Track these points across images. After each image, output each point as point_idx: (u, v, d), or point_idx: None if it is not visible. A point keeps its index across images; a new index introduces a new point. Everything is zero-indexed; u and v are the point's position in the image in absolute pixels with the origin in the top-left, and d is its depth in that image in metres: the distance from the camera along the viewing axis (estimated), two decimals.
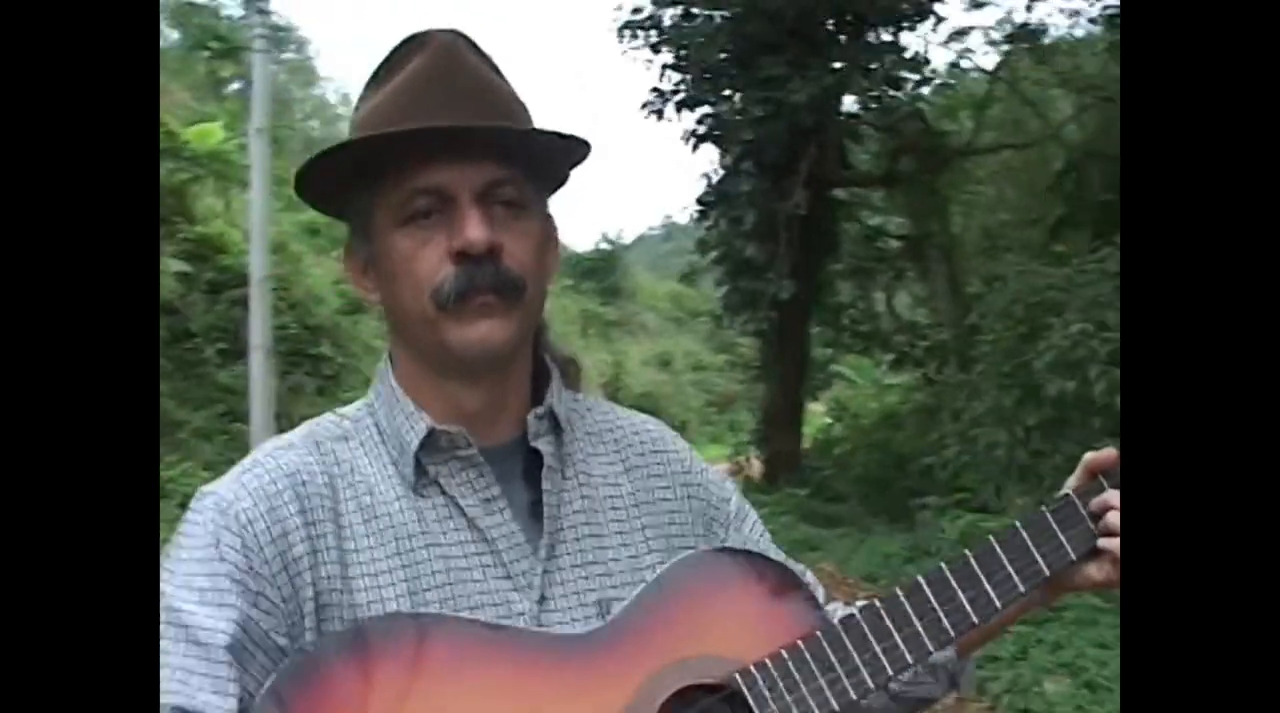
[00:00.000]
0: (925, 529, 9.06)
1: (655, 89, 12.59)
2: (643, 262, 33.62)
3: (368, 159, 1.31)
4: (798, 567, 1.52)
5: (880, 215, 17.56)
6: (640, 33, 12.47)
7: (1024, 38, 14.99)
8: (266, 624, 1.25)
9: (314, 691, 1.21)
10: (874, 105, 13.28)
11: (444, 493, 1.34)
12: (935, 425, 10.69)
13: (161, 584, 1.27)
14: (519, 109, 1.35)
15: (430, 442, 1.33)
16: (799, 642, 1.33)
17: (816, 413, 21.70)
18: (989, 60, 15.48)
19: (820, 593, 1.50)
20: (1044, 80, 16.12)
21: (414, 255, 1.30)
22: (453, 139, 1.27)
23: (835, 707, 1.32)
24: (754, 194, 12.45)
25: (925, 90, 14.82)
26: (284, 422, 14.13)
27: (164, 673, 1.22)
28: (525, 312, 1.33)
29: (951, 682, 1.51)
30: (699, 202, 13.81)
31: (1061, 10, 14.93)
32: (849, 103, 13.58)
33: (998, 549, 1.36)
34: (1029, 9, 14.39)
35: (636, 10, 12.69)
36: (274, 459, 1.33)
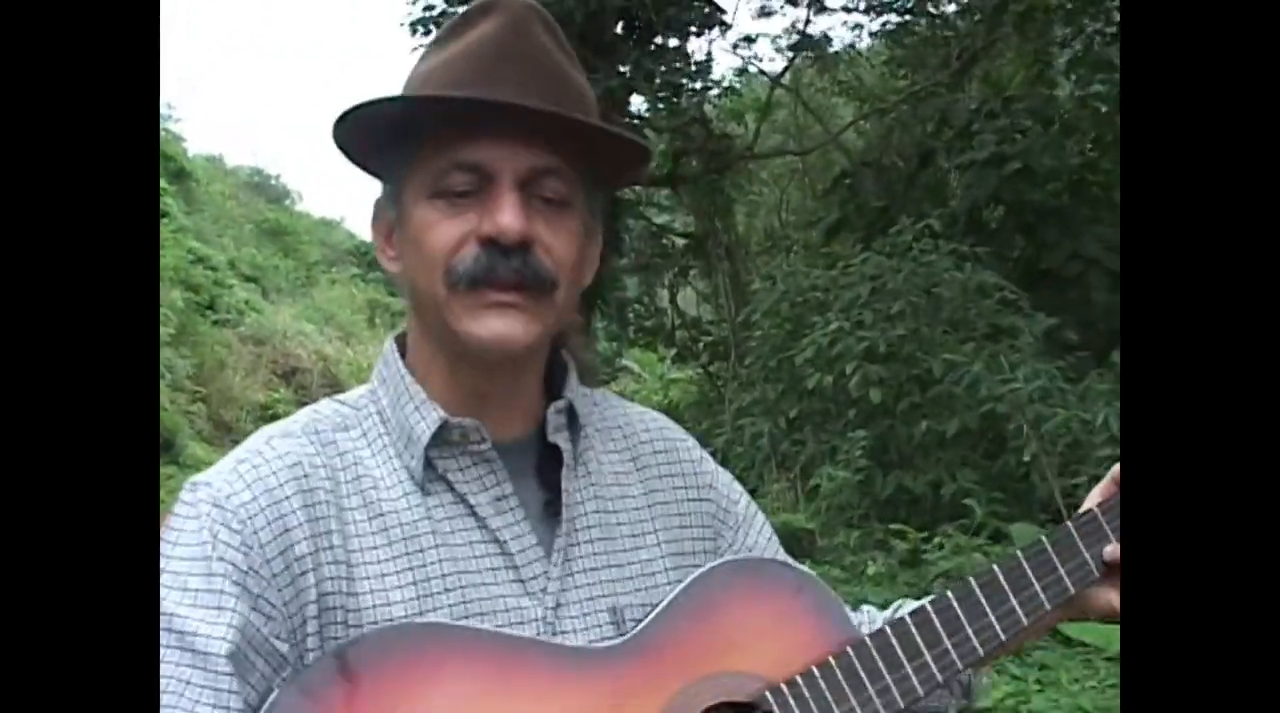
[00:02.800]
0: None
1: None
2: None
3: (413, 120, 1.24)
4: (808, 571, 1.52)
5: (666, 214, 18.12)
6: (432, 28, 12.68)
7: (808, 47, 15.78)
8: (267, 629, 1.17)
9: (320, 709, 1.14)
10: (660, 108, 13.78)
11: (452, 490, 1.27)
12: (712, 417, 11.29)
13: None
14: (583, 98, 1.28)
15: (441, 435, 1.27)
16: (830, 658, 1.31)
17: None
18: (775, 67, 16.22)
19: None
20: (826, 89, 17.03)
21: (437, 227, 1.24)
22: (503, 115, 1.21)
23: None
24: None
25: (712, 93, 15.44)
26: None
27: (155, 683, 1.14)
28: (552, 311, 1.26)
29: (965, 692, 1.46)
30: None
31: (844, 24, 15.59)
32: (637, 105, 14.05)
33: (1025, 565, 1.34)
34: (809, 21, 15.07)
35: (429, 8, 12.88)
36: (273, 449, 1.25)
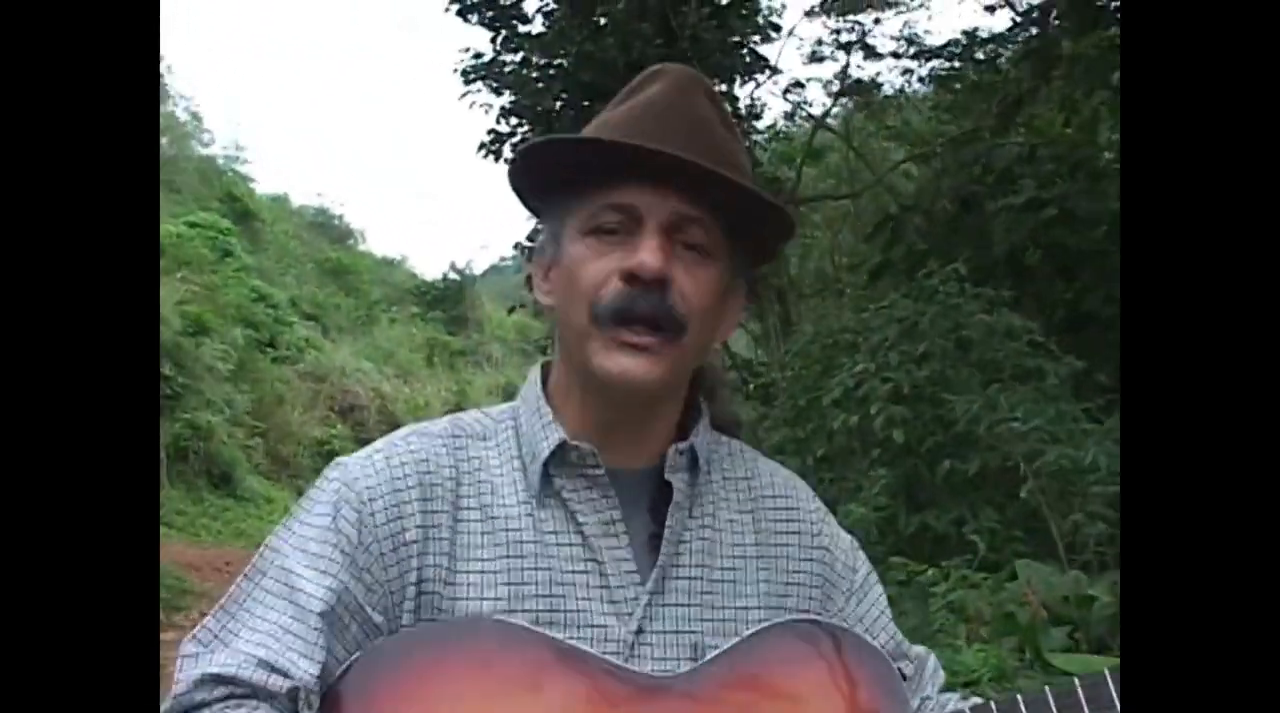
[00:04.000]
0: None
1: (492, 131, 13.09)
2: (492, 292, 33.98)
3: (581, 164, 1.36)
4: (918, 649, 1.56)
5: None
6: (482, 80, 13.03)
7: (857, 91, 16.02)
8: (365, 599, 1.30)
9: (396, 678, 1.26)
10: None
11: (565, 507, 1.37)
12: None
13: (277, 539, 1.35)
14: (736, 159, 1.38)
15: (561, 454, 1.37)
16: None
17: None
18: (819, 111, 16.45)
19: (939, 681, 1.53)
20: (876, 133, 17.24)
21: (587, 263, 1.35)
22: (657, 163, 1.31)
23: None
24: None
25: (761, 138, 15.69)
26: None
27: (257, 623, 1.29)
28: (680, 355, 1.35)
29: None
30: (529, 238, 14.29)
31: (893, 69, 15.77)
32: None
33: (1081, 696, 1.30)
34: (859, 67, 15.32)
35: (478, 55, 13.25)
36: (408, 444, 1.39)
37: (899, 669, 1.44)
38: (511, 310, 18.98)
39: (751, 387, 16.41)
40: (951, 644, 4.72)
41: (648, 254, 1.31)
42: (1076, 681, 1.32)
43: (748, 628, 1.37)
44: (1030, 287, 10.60)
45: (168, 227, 21.36)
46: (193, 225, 23.61)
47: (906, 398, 7.49)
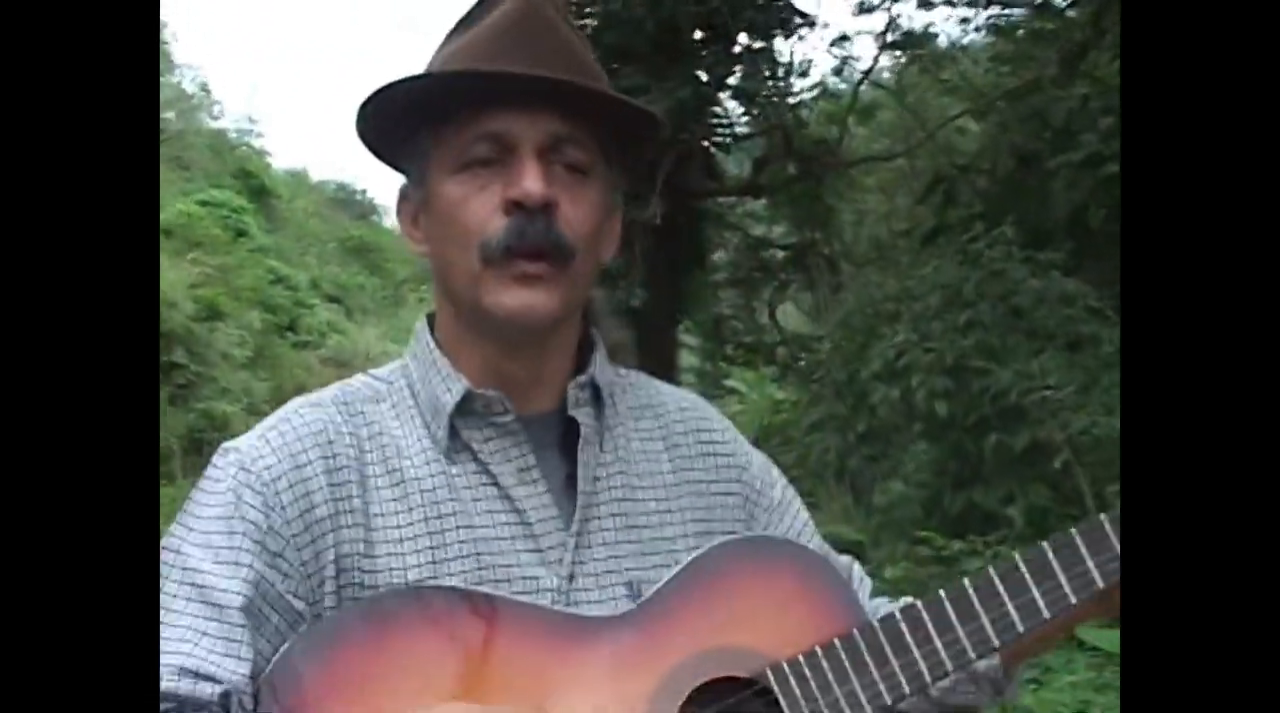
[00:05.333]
0: None
1: None
2: None
3: (433, 99, 1.39)
4: (843, 559, 1.60)
5: (764, 225, 18.38)
6: None
7: (909, 44, 16.03)
8: (283, 587, 1.31)
9: (330, 661, 1.27)
10: (749, 113, 14.16)
11: (476, 460, 1.40)
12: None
13: (174, 539, 1.34)
14: (594, 71, 1.42)
15: (466, 405, 1.40)
16: (835, 640, 1.37)
17: None
18: (876, 66, 16.45)
19: (867, 588, 1.58)
20: (931, 89, 17.24)
21: (466, 202, 1.37)
22: (521, 87, 1.34)
23: (868, 710, 1.35)
24: None
25: (805, 96, 15.77)
26: None
27: (169, 632, 1.27)
28: (572, 282, 1.39)
29: (996, 690, 1.49)
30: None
31: (947, 18, 15.74)
32: (733, 109, 14.46)
33: (1050, 556, 1.35)
34: (909, 17, 15.32)
35: None
36: (300, 416, 1.41)
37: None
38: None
39: (802, 362, 16.55)
40: None
41: (530, 181, 1.34)
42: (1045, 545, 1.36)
43: (678, 559, 1.40)
44: (1092, 249, 10.70)
45: (177, 206, 21.70)
46: (204, 203, 23.87)
47: (950, 369, 7.66)
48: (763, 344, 17.67)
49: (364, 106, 1.40)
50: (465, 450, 1.41)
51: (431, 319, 1.51)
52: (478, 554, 1.36)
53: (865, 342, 8.82)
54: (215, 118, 32.47)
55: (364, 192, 38.48)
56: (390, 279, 31.62)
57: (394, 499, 1.37)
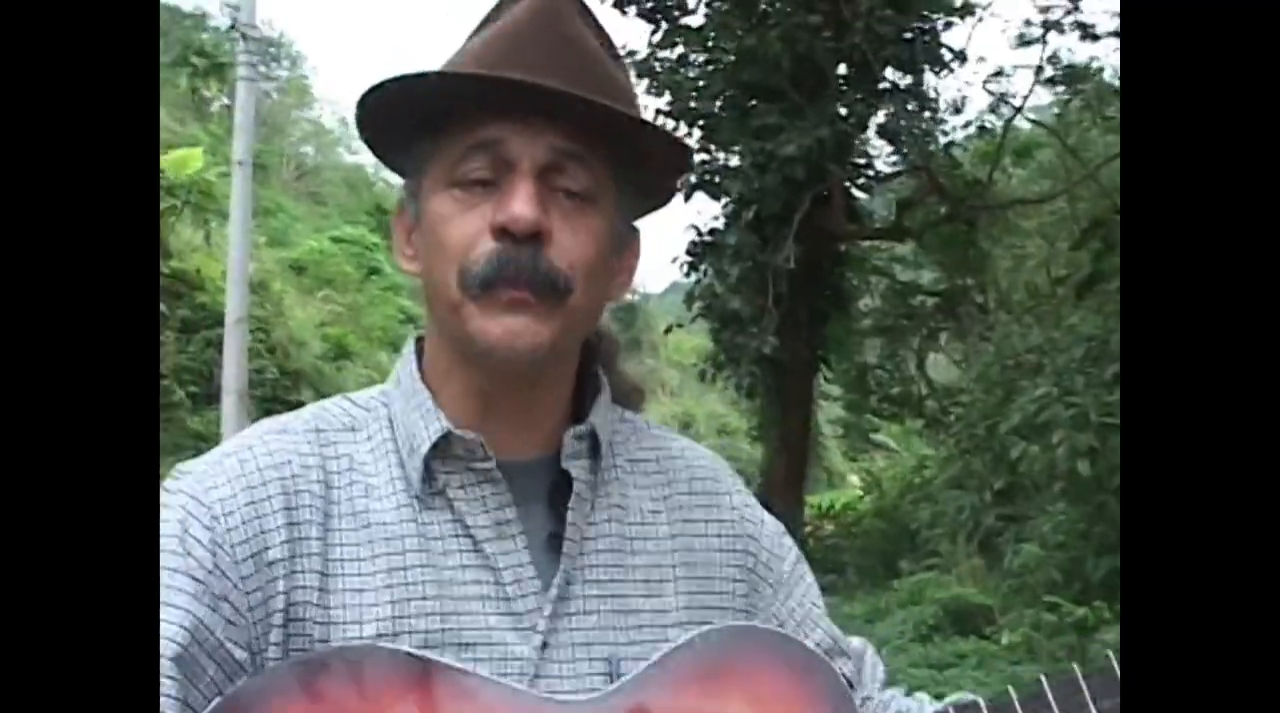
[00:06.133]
0: (887, 593, 10.20)
1: None
2: (670, 312, 34.44)
3: (431, 103, 1.30)
4: (855, 643, 1.53)
5: (912, 270, 18.31)
6: (634, 77, 13.31)
7: (1071, 78, 15.87)
8: (224, 634, 1.21)
9: None
10: (897, 152, 14.16)
11: (451, 507, 1.30)
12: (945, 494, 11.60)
13: None
14: (617, 87, 1.31)
15: (444, 446, 1.30)
16: None
17: (852, 485, 22.55)
18: (1036, 102, 16.32)
19: (880, 674, 1.52)
20: (1095, 125, 17.04)
21: (452, 221, 1.28)
22: (521, 97, 1.25)
23: None
24: (741, 246, 13.24)
25: (960, 136, 15.72)
26: None
27: None
28: (567, 318, 1.28)
29: None
30: (688, 252, 14.46)
31: (1112, 51, 15.52)
32: (881, 148, 14.46)
33: (1081, 684, 1.29)
34: (1069, 50, 15.17)
35: (630, 54, 13.38)
36: (265, 444, 1.31)
37: (839, 670, 1.38)
38: (669, 330, 19.25)
39: (953, 417, 16.41)
40: None
41: (520, 204, 1.23)
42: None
43: (667, 634, 1.32)
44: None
45: (309, 242, 22.24)
46: (337, 240, 24.45)
47: (1094, 426, 7.57)
48: (910, 396, 17.58)
49: (359, 107, 1.32)
50: (440, 496, 1.30)
51: (420, 347, 1.41)
52: (443, 614, 1.26)
53: (1006, 395, 8.73)
54: (353, 153, 33.21)
55: None
56: None
57: (356, 544, 1.27)
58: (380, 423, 1.34)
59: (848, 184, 14.11)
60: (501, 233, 1.23)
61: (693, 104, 13.13)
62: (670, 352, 32.94)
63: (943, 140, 14.87)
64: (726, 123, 12.91)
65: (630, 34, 16.45)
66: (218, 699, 1.16)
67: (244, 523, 1.24)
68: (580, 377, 1.39)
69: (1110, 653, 1.30)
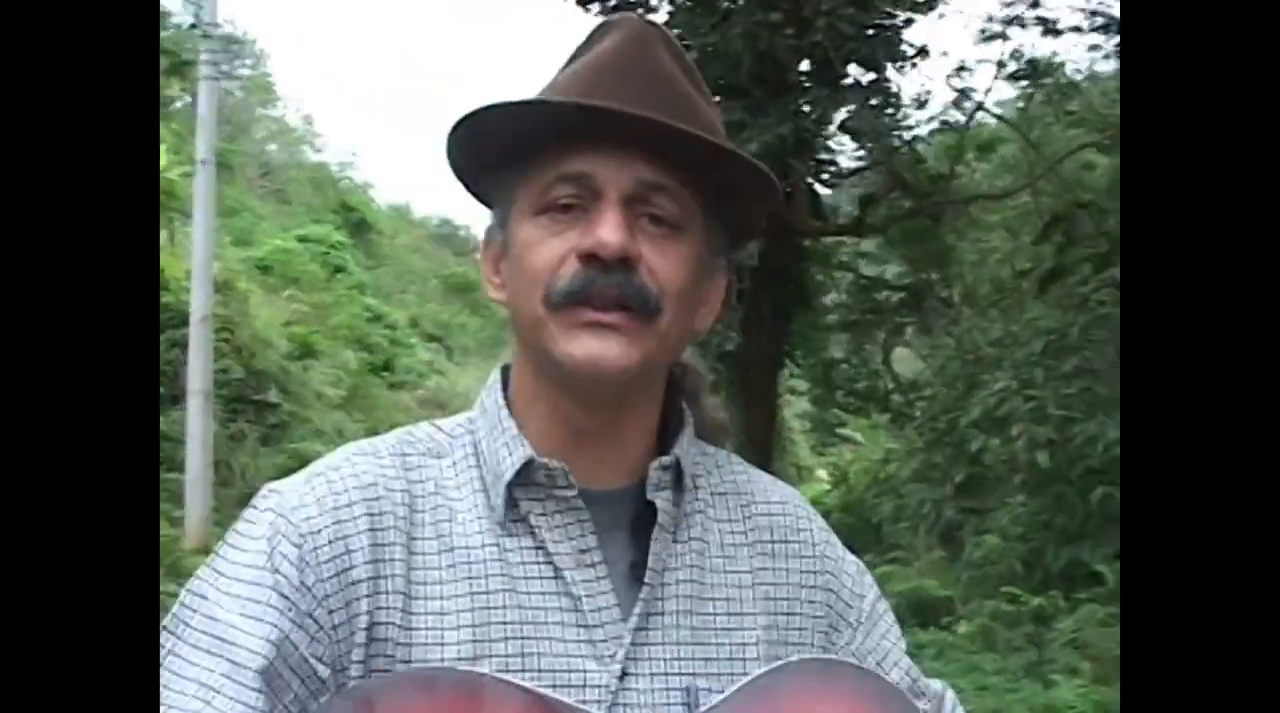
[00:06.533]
0: None
1: None
2: None
3: (517, 132, 1.32)
4: (935, 685, 1.52)
5: (877, 265, 18.39)
6: None
7: (1034, 73, 15.99)
8: (308, 650, 1.23)
9: None
10: (861, 148, 14.24)
11: (533, 534, 1.32)
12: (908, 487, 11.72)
13: (201, 583, 1.28)
14: (703, 116, 1.33)
15: (527, 474, 1.32)
16: None
17: (820, 479, 22.70)
18: (998, 97, 16.42)
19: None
20: (1057, 121, 17.17)
21: (539, 245, 1.29)
22: (609, 126, 1.27)
23: None
24: None
25: (924, 131, 15.80)
26: (223, 471, 15.11)
27: (178, 683, 1.21)
28: (656, 340, 1.29)
29: None
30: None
31: (1075, 45, 15.70)
32: (845, 144, 14.53)
33: None
34: (1033, 45, 15.28)
35: None
36: (352, 465, 1.33)
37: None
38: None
39: (917, 411, 16.50)
40: (1047, 679, 4.97)
41: (608, 231, 1.25)
42: None
43: (745, 667, 1.33)
44: None
45: (275, 242, 22.23)
46: (303, 239, 24.45)
47: (1052, 419, 7.70)
48: (876, 390, 17.66)
49: (453, 133, 1.34)
50: (522, 523, 1.32)
51: (506, 374, 1.42)
52: (523, 639, 1.28)
53: (967, 389, 8.87)
54: (318, 151, 33.20)
55: (468, 227, 39.04)
56: (493, 319, 31.88)
57: (439, 567, 1.29)
58: (465, 450, 1.37)
59: (811, 180, 14.13)
60: (589, 258, 1.25)
61: None
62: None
63: (906, 136, 14.94)
64: None
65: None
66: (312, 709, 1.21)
67: (330, 542, 1.27)
68: (665, 409, 1.41)
69: None
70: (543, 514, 1.31)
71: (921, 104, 15.48)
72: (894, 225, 15.08)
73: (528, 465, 1.30)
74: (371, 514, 1.29)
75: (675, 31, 13.03)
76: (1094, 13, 14.59)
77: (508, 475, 1.31)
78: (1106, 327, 8.15)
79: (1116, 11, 14.21)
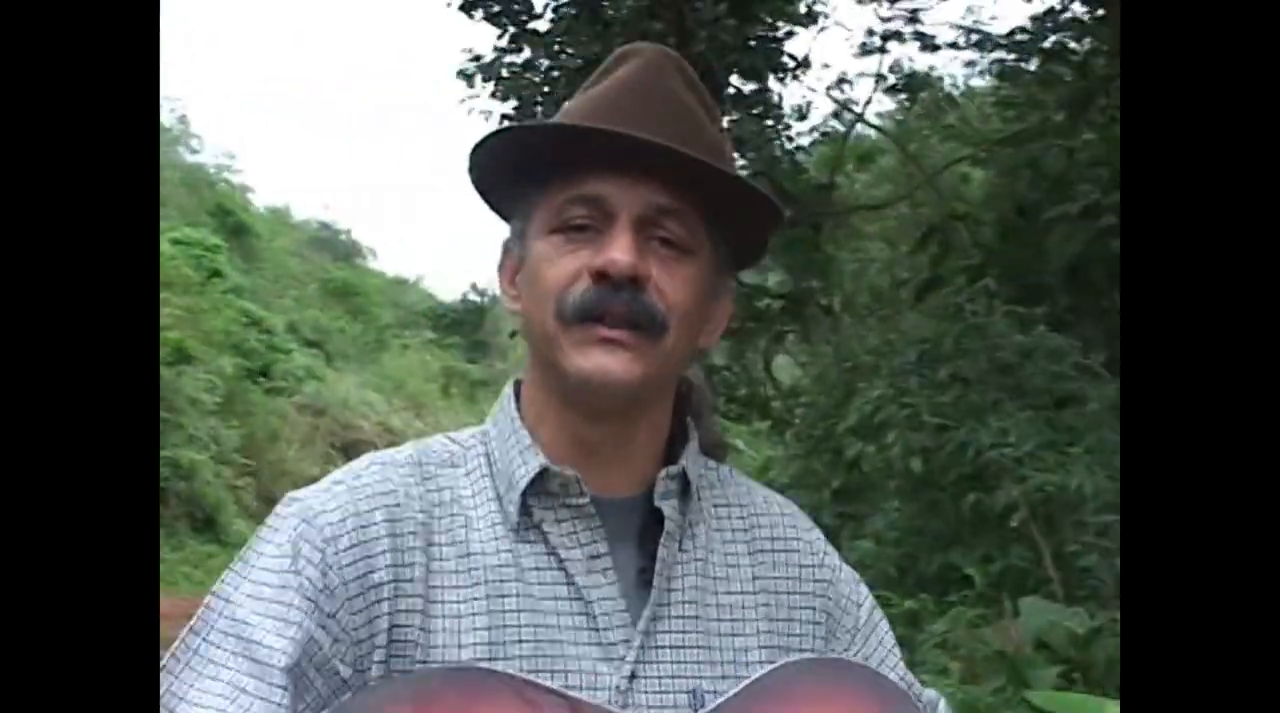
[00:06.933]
0: None
1: None
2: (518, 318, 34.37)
3: (539, 153, 1.38)
4: (929, 694, 1.56)
5: (759, 273, 18.59)
6: (478, 78, 13.37)
7: (912, 87, 16.31)
8: (331, 650, 1.27)
9: None
10: (743, 158, 14.41)
11: (546, 541, 1.37)
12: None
13: (226, 587, 1.33)
14: (715, 143, 1.40)
15: (541, 482, 1.38)
16: None
17: None
18: (876, 108, 16.72)
19: None
20: (934, 134, 17.51)
21: (553, 262, 1.36)
22: (622, 150, 1.33)
23: None
24: None
25: (805, 141, 16.02)
26: None
27: (205, 683, 1.25)
28: (662, 357, 1.36)
29: None
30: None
31: (953, 60, 16.04)
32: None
33: None
34: (910, 59, 15.62)
35: (476, 58, 13.50)
36: (371, 473, 1.39)
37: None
38: (513, 334, 19.39)
39: (798, 418, 16.70)
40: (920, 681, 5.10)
41: (619, 251, 1.32)
42: None
43: (747, 671, 1.38)
44: (1088, 305, 10.94)
45: None
46: (177, 242, 24.10)
47: (927, 426, 7.88)
48: (757, 397, 17.81)
49: (474, 153, 1.42)
50: (535, 530, 1.38)
51: (519, 387, 1.49)
52: (537, 642, 1.33)
53: (844, 396, 9.05)
54: (194, 152, 32.76)
55: (348, 231, 38.78)
56: (373, 324, 31.78)
57: (456, 571, 1.35)
58: (479, 460, 1.43)
59: None
60: (600, 277, 1.33)
61: (539, 108, 13.21)
62: (519, 355, 32.82)
63: (788, 146, 15.14)
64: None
65: (477, 38, 16.40)
66: (332, 707, 1.25)
67: (352, 546, 1.32)
68: (672, 425, 1.48)
69: None
70: (555, 521, 1.38)
71: (802, 115, 15.76)
72: (776, 235, 15.23)
73: (542, 474, 1.37)
74: (391, 520, 1.34)
75: (558, 40, 13.31)
76: (970, 30, 14.95)
77: (522, 484, 1.37)
78: (980, 336, 8.35)
79: (992, 29, 14.58)
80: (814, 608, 1.48)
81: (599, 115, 1.35)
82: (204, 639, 1.29)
